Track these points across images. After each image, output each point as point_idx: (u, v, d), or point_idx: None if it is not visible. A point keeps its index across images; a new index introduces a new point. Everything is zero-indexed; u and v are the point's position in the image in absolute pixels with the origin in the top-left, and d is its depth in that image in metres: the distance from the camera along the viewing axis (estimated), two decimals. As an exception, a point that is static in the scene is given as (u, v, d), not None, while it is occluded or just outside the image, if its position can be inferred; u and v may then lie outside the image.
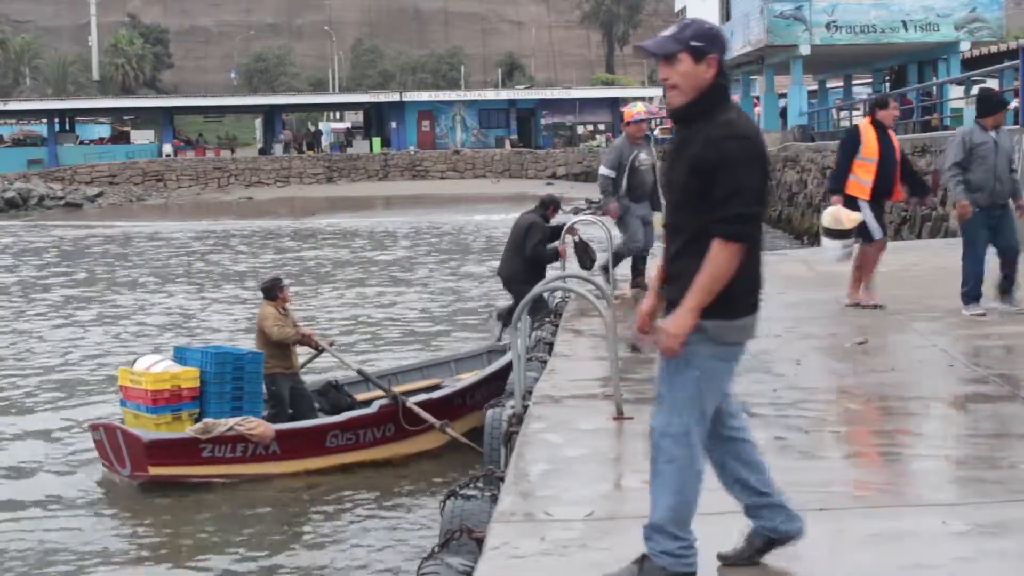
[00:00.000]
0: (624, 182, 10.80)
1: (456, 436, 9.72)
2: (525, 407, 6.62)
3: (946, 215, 16.92)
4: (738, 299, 3.75)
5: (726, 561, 4.10)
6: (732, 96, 3.88)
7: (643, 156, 10.85)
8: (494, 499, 5.27)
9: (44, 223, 43.30)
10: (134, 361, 9.84)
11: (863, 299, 9.82)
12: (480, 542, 4.65)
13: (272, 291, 10.12)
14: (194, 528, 8.30)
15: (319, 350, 10.30)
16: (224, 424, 9.10)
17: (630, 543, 4.29)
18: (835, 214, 9.50)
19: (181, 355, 9.77)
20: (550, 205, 11.77)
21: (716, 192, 3.68)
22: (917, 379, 7.08)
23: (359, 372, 10.40)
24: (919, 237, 17.57)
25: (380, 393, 10.13)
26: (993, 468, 5.19)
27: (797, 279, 11.99)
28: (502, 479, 5.52)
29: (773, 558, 4.17)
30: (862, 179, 9.65)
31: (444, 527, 5.19)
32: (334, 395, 10.33)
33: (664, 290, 3.93)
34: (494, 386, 10.07)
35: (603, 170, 11.04)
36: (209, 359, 9.45)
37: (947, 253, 13.87)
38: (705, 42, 3.75)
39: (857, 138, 9.75)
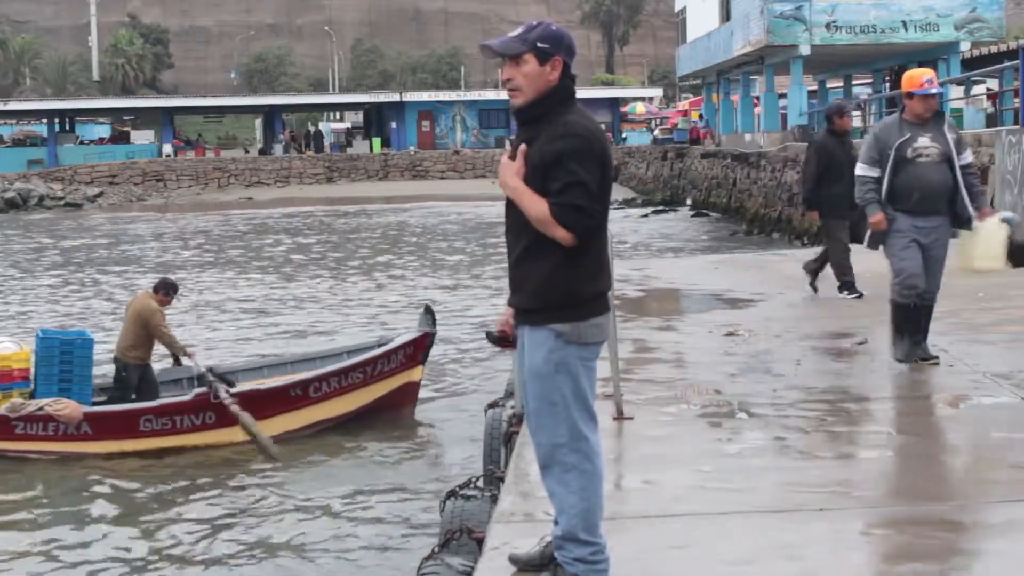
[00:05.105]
0: (885, 183, 7.22)
1: (248, 431, 9.74)
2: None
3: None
4: (587, 301, 3.74)
5: (518, 564, 4.07)
6: (575, 100, 3.79)
7: (923, 141, 7.16)
8: (494, 499, 5.27)
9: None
10: None
11: None
12: (480, 542, 4.66)
13: (170, 288, 10.72)
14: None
15: (183, 355, 10.76)
16: (34, 404, 9.87)
17: (630, 543, 4.29)
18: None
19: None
20: None
21: (553, 186, 3.65)
22: (917, 379, 7.08)
23: (209, 369, 10.55)
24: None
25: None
26: (994, 468, 5.19)
27: (797, 279, 11.98)
28: (502, 479, 5.53)
29: (772, 558, 4.17)
30: None
31: (444, 527, 5.20)
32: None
33: (511, 298, 3.87)
34: (351, 378, 10.54)
35: (859, 168, 7.44)
36: (38, 342, 10.19)
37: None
38: (551, 44, 3.72)
39: None
